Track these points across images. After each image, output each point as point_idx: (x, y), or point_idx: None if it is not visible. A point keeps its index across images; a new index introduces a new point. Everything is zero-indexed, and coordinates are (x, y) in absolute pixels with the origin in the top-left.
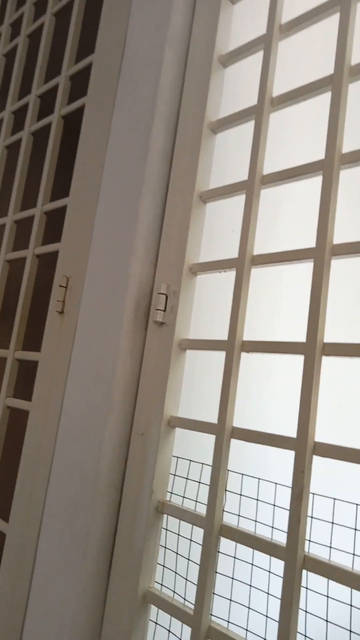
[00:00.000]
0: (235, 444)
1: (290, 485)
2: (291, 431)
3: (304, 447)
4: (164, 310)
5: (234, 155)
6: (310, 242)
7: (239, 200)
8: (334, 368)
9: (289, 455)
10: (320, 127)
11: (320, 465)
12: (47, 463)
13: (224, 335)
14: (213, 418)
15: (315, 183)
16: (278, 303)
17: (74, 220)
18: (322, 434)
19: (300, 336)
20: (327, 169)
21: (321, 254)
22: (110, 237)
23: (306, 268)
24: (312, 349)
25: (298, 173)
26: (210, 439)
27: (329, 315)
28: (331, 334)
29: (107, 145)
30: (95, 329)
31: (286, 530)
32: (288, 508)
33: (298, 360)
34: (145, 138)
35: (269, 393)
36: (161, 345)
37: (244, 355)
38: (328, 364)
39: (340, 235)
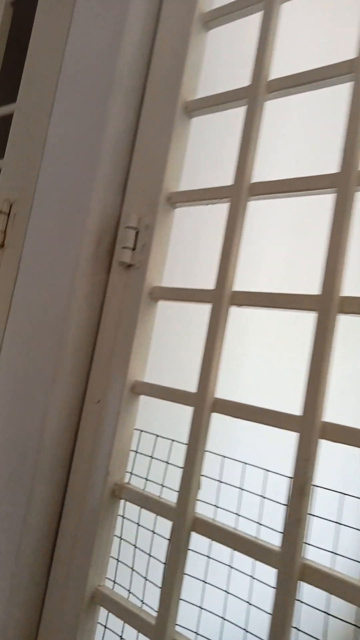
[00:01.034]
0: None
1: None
2: (280, 405)
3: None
4: (133, 249)
5: (228, 60)
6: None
7: (224, 122)
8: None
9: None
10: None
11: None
12: None
13: (202, 284)
14: (184, 384)
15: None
16: (262, 250)
17: (21, 130)
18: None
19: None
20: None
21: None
22: (67, 152)
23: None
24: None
25: (316, 78)
26: (177, 410)
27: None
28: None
29: (67, 36)
30: (44, 268)
31: (281, 529)
32: (285, 503)
33: (277, 318)
34: (120, 24)
35: (242, 355)
36: (127, 292)
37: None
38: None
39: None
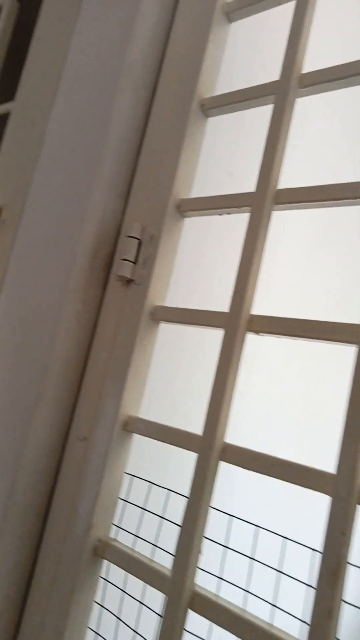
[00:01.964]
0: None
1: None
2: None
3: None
4: (135, 263)
5: (250, 55)
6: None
7: (241, 128)
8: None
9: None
10: None
11: None
12: None
13: (205, 306)
14: (185, 424)
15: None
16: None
17: (18, 129)
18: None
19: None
20: None
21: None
22: (66, 151)
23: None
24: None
25: (354, 72)
26: (170, 454)
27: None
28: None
29: (74, 26)
30: (32, 280)
31: (303, 614)
32: (309, 584)
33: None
34: (132, 11)
35: (248, 386)
36: (125, 311)
37: (250, 338)
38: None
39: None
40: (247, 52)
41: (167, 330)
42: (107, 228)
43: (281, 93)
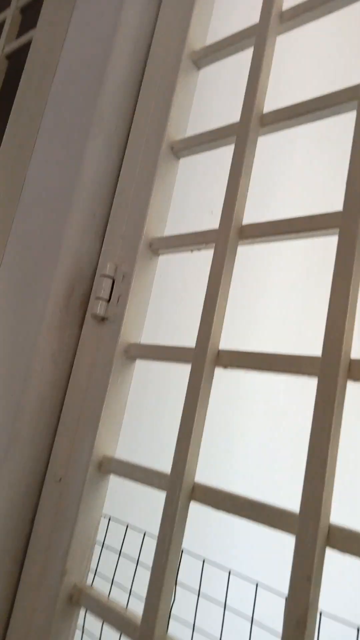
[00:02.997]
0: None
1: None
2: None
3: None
4: (108, 301)
5: (223, 104)
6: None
7: (221, 168)
8: None
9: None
10: (336, 56)
11: None
12: None
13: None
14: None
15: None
16: (260, 304)
17: (1, 180)
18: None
19: (290, 348)
20: None
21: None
22: (43, 196)
23: (307, 259)
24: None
25: (314, 108)
26: (154, 497)
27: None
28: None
29: (52, 81)
30: (9, 322)
31: None
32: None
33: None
34: (101, 68)
35: (238, 431)
36: (100, 349)
37: (219, 373)
38: None
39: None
40: (228, 95)
41: (155, 369)
42: (82, 268)
43: (242, 133)
